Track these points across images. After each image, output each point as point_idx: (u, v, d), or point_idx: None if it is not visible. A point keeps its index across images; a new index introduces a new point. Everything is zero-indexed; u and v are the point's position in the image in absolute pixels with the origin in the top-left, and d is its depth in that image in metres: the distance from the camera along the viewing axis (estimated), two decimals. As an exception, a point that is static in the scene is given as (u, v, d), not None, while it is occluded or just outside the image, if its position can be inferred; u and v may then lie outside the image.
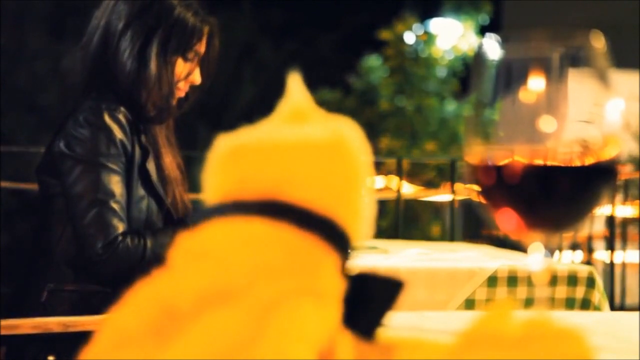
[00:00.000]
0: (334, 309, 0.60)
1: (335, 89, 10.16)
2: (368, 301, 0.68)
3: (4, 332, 1.87)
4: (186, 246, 0.61)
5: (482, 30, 9.95)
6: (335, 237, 0.62)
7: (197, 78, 2.25)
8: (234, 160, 0.64)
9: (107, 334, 0.58)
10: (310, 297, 0.57)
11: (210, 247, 0.60)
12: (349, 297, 0.66)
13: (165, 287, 0.59)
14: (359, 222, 0.65)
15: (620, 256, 5.38)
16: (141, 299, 0.59)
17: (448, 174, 9.14)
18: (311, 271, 0.59)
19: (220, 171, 0.64)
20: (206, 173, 0.65)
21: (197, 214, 0.64)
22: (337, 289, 0.61)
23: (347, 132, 0.66)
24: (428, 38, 10.09)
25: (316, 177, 0.62)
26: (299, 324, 0.55)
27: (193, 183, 2.45)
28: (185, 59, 2.21)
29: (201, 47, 2.24)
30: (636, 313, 1.23)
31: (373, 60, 10.00)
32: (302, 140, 0.63)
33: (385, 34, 9.96)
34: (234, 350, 0.54)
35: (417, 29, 10.18)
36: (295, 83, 0.67)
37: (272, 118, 0.66)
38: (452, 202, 4.65)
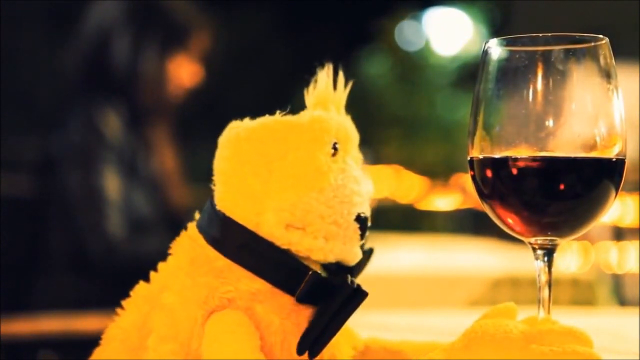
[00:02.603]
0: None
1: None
2: (324, 310, 0.67)
3: (3, 332, 1.87)
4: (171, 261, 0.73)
5: (486, 30, 9.93)
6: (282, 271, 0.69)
7: (192, 76, 2.25)
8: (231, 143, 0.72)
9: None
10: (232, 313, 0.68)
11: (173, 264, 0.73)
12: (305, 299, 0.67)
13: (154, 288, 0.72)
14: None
15: (622, 257, 5.37)
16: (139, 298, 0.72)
17: (450, 177, 9.13)
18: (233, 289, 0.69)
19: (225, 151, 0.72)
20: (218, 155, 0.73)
21: (200, 219, 0.73)
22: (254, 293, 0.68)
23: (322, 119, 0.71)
24: (427, 42, 10.08)
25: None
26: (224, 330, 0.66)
27: (192, 180, 2.45)
28: (181, 58, 2.21)
29: (196, 45, 2.24)
30: (637, 313, 1.22)
31: (375, 68, 9.97)
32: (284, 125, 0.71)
33: (384, 42, 9.94)
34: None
35: (415, 21, 10.15)
36: (323, 74, 0.73)
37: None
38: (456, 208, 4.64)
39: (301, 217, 0.68)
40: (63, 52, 2.33)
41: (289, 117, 0.71)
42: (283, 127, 0.70)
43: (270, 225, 0.68)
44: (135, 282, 0.74)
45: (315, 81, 0.74)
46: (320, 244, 0.69)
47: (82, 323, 1.92)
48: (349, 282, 0.68)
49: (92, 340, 0.74)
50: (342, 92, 0.74)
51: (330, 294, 0.68)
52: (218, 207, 0.70)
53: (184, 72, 2.24)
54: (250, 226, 0.69)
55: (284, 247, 0.69)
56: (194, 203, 2.43)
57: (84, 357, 0.73)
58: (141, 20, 2.16)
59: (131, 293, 0.73)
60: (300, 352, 0.67)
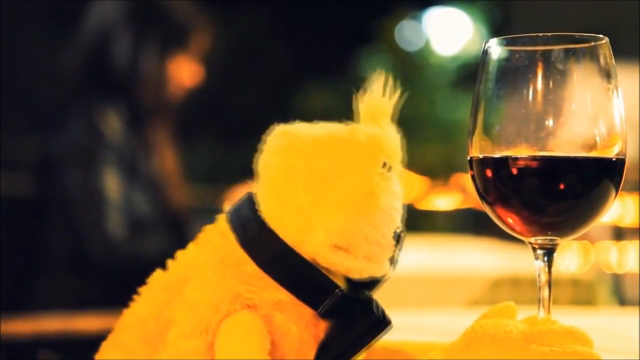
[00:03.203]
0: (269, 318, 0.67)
1: (335, 89, 10.16)
2: (347, 331, 0.67)
3: (3, 332, 1.87)
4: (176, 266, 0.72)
5: (486, 30, 9.93)
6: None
7: (193, 76, 2.25)
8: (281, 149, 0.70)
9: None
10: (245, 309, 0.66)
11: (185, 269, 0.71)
12: (331, 320, 0.66)
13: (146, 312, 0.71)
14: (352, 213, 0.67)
15: (622, 257, 5.37)
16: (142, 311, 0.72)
17: (450, 177, 9.12)
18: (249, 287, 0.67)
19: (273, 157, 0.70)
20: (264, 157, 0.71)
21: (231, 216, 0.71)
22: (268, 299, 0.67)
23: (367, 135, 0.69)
24: (427, 42, 10.08)
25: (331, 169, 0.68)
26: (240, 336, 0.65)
27: (192, 180, 2.45)
28: (181, 58, 2.21)
29: (197, 46, 2.24)
30: (637, 313, 1.22)
31: (375, 68, 9.97)
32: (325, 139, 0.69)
33: (384, 37, 9.94)
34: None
35: (415, 21, 10.16)
36: (378, 84, 0.72)
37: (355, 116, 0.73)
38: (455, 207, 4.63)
39: (348, 239, 0.67)
40: (63, 52, 2.33)
41: (344, 133, 0.69)
42: (339, 144, 0.68)
43: (316, 245, 0.67)
44: (136, 282, 0.74)
45: (368, 89, 0.71)
46: (361, 264, 0.68)
47: (82, 323, 1.92)
48: (375, 309, 0.68)
49: (92, 340, 0.74)
50: (393, 103, 0.72)
51: (352, 309, 0.67)
52: (261, 214, 0.69)
53: (184, 72, 2.24)
54: (292, 241, 0.67)
55: (326, 266, 0.68)
56: (194, 203, 2.43)
57: (84, 357, 0.73)
58: (141, 21, 2.16)
59: (148, 280, 0.72)
60: None
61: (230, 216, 0.71)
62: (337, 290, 0.67)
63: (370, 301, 0.68)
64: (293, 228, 0.68)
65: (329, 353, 0.67)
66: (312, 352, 0.68)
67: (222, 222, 0.71)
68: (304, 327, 0.67)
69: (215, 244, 0.70)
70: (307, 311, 0.68)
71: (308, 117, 0.73)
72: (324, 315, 0.68)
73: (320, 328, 0.68)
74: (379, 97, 0.71)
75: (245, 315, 0.66)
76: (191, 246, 0.72)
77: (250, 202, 0.70)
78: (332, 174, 0.68)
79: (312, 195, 0.67)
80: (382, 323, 0.68)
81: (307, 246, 0.67)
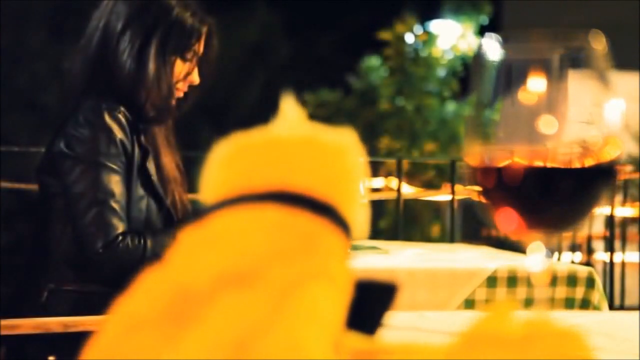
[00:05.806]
0: (345, 293, 0.60)
1: (335, 89, 10.18)
2: (365, 307, 0.66)
3: (4, 332, 1.87)
4: (199, 232, 0.60)
5: (482, 31, 9.96)
6: (342, 224, 0.61)
7: (196, 78, 2.26)
8: (237, 159, 0.63)
9: (120, 318, 0.57)
10: (324, 280, 0.57)
11: (225, 231, 0.59)
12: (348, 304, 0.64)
13: (180, 271, 0.58)
14: (357, 218, 0.64)
15: (619, 256, 5.38)
16: (155, 283, 0.58)
17: (448, 174, 9.10)
18: (324, 255, 0.59)
19: (224, 169, 0.64)
20: (208, 173, 0.64)
21: (204, 208, 0.62)
22: (348, 273, 0.60)
23: (346, 134, 0.65)
24: (428, 38, 10.11)
25: (319, 173, 0.62)
26: (313, 308, 0.55)
27: (193, 183, 2.45)
28: (184, 59, 2.21)
29: (200, 47, 2.24)
30: (636, 313, 1.23)
31: (373, 61, 10.01)
32: (305, 138, 0.63)
33: (385, 35, 9.97)
34: (250, 335, 0.54)
35: (417, 29, 10.20)
36: (288, 104, 0.65)
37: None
38: (451, 203, 4.64)
39: None
40: (68, 52, 2.33)
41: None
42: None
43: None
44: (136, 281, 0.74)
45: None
46: None
47: (82, 323, 1.92)
48: (387, 282, 0.67)
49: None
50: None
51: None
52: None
53: (189, 75, 2.24)
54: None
55: None
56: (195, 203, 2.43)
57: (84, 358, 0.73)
58: (146, 22, 2.17)
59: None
60: (365, 334, 0.64)
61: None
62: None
63: (368, 278, 0.67)
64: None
65: (360, 329, 0.64)
66: None
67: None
68: None
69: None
70: None
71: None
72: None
73: None
74: (295, 118, 0.64)
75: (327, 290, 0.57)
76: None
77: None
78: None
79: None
80: (393, 287, 0.66)
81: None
